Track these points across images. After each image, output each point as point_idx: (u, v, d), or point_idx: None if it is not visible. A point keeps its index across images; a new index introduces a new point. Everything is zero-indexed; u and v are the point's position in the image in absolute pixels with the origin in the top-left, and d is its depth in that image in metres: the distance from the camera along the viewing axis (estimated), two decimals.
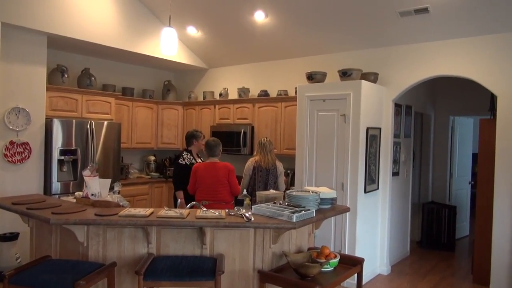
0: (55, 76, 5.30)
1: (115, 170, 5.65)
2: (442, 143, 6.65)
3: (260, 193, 3.46)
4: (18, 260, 4.38)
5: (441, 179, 6.62)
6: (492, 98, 4.90)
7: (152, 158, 6.84)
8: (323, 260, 2.91)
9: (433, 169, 6.67)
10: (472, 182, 6.92)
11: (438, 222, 6.08)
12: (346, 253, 4.32)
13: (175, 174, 4.71)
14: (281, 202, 3.11)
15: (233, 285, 2.90)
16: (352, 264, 3.12)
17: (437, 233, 6.08)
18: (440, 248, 6.03)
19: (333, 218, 4.50)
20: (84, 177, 3.17)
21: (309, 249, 3.29)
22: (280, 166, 4.65)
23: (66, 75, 5.39)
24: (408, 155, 5.69)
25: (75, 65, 5.79)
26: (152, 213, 2.77)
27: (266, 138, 4.81)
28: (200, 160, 4.74)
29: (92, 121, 5.34)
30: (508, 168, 4.13)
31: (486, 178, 4.50)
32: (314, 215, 2.88)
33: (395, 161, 5.21)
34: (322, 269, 2.92)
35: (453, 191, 6.63)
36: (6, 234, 4.37)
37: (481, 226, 4.61)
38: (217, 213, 2.80)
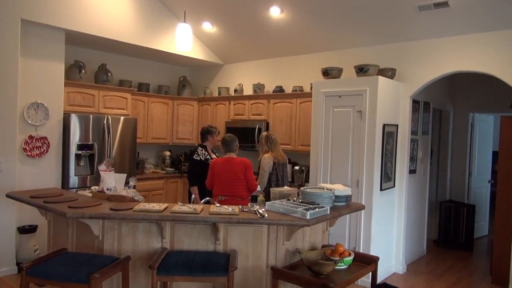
0: (73, 72, 5.38)
1: (131, 165, 5.71)
2: (461, 140, 6.50)
3: (274, 190, 3.44)
4: (37, 252, 4.48)
5: (460, 177, 6.48)
6: None
7: (168, 153, 6.89)
8: (337, 258, 2.88)
9: (451, 167, 6.54)
10: (492, 181, 6.75)
11: (456, 221, 5.96)
12: (361, 251, 4.27)
13: (189, 169, 4.73)
14: (295, 198, 3.08)
15: (246, 282, 2.90)
16: (366, 262, 3.08)
17: (455, 232, 5.96)
18: (457, 247, 5.91)
19: (347, 215, 4.45)
20: (100, 172, 3.21)
21: (323, 246, 3.26)
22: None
23: (83, 71, 5.46)
24: (426, 152, 5.59)
25: (92, 61, 5.86)
26: (166, 208, 2.78)
27: (270, 132, 4.77)
28: (215, 156, 4.75)
29: (109, 116, 5.40)
30: None
31: (507, 177, 4.38)
32: (328, 213, 2.85)
33: (412, 159, 5.12)
34: (336, 267, 2.89)
35: (472, 190, 6.48)
36: (25, 227, 4.47)
37: (500, 226, 4.49)
38: (230, 209, 2.80)
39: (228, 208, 2.81)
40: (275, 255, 2.91)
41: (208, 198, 3.18)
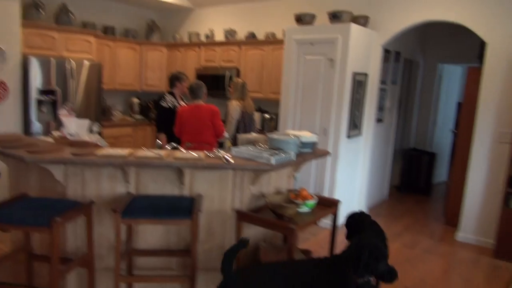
0: (30, 12, 5.03)
1: (97, 111, 5.56)
2: (428, 91, 6.64)
3: (241, 136, 3.45)
4: None
5: (424, 127, 6.70)
6: (482, 46, 4.82)
7: (136, 100, 6.73)
8: (300, 201, 2.98)
9: (418, 116, 6.72)
10: (455, 131, 7.01)
11: (418, 168, 6.23)
12: (326, 196, 4.43)
13: (157, 116, 4.67)
14: (261, 145, 3.11)
15: (211, 224, 2.98)
16: (328, 205, 3.21)
17: (416, 178, 6.26)
18: (417, 192, 6.24)
19: (314, 162, 4.57)
20: (60, 117, 3.11)
21: (288, 191, 3.36)
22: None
23: (42, 11, 5.10)
24: (394, 102, 5.69)
25: (51, 1, 5.47)
26: (130, 153, 2.75)
27: (241, 80, 4.70)
28: (183, 103, 4.68)
29: (72, 61, 5.15)
30: (489, 117, 4.17)
31: (467, 127, 4.55)
32: (294, 158, 2.90)
33: (380, 108, 5.21)
34: (299, 210, 3.00)
35: (435, 139, 6.74)
36: None
37: (457, 172, 4.74)
38: (196, 154, 2.80)
39: (193, 154, 2.81)
40: (240, 199, 2.98)
41: (173, 144, 3.16)
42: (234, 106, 4.39)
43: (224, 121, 4.32)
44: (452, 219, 4.72)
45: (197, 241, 2.81)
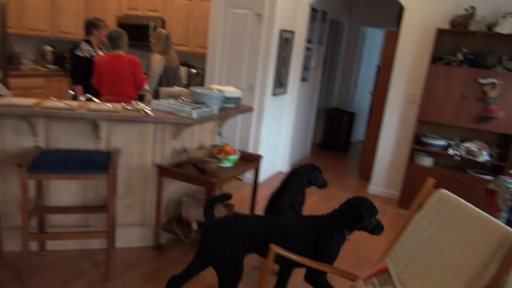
0: None
1: (2, 59, 4.96)
2: (352, 53, 6.89)
3: (164, 90, 3.33)
4: None
5: (346, 88, 7.01)
6: (401, 10, 5.05)
7: (49, 48, 6.11)
8: (222, 156, 3.00)
9: (341, 77, 6.99)
10: (373, 93, 7.44)
11: (338, 127, 6.57)
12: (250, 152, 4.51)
13: (72, 67, 4.30)
14: (183, 98, 3.03)
15: (131, 179, 2.89)
16: (251, 160, 3.28)
17: (337, 136, 6.61)
18: (337, 150, 6.62)
19: (240, 119, 4.59)
20: None
21: (211, 146, 3.35)
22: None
23: None
24: (319, 62, 5.83)
25: None
26: (36, 103, 2.52)
27: (165, 31, 4.46)
28: (102, 53, 4.34)
29: None
30: (402, 79, 4.46)
31: (383, 87, 4.84)
32: (216, 113, 2.88)
33: (306, 67, 5.32)
34: (222, 165, 3.03)
35: (355, 100, 7.10)
36: None
37: (372, 131, 5.08)
38: (112, 106, 2.65)
39: (109, 105, 2.65)
40: (161, 154, 2.92)
41: (88, 95, 2.94)
42: (157, 60, 4.16)
43: (146, 75, 4.11)
44: (365, 174, 5.11)
45: (115, 196, 2.73)
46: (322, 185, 2.99)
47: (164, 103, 2.82)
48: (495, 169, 4.02)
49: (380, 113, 4.80)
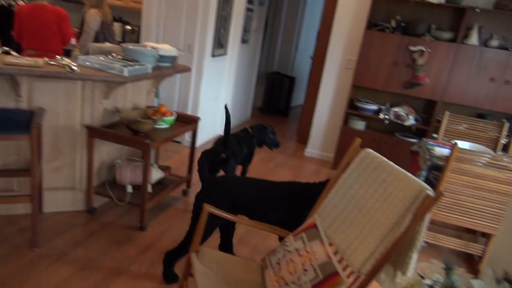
0: None
1: None
2: (293, 16, 6.87)
3: (93, 45, 3.11)
4: None
5: (287, 51, 7.03)
6: None
7: None
8: (157, 117, 2.91)
9: (282, 41, 6.98)
10: (312, 57, 7.54)
11: (279, 91, 6.64)
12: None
13: None
14: (114, 55, 2.85)
15: (58, 140, 2.72)
16: (188, 122, 3.21)
17: (277, 100, 6.68)
18: (277, 114, 6.71)
19: (178, 80, 4.45)
20: None
21: (146, 107, 3.23)
22: None
23: None
24: (260, 24, 5.75)
25: None
26: None
27: None
28: (22, 2, 3.93)
29: None
30: (339, 44, 4.55)
31: (321, 52, 4.91)
32: (150, 71, 2.75)
33: (246, 29, 5.22)
34: (157, 126, 2.94)
35: (296, 64, 7.17)
36: None
37: (310, 95, 5.19)
38: (32, 60, 2.42)
39: (29, 60, 2.42)
40: (91, 114, 2.75)
41: (6, 48, 2.66)
42: (93, 15, 3.85)
43: (79, 31, 3.81)
44: (303, 137, 5.26)
45: (40, 159, 2.56)
46: (275, 145, 3.24)
47: (92, 59, 2.63)
48: (420, 132, 4.33)
49: (318, 78, 4.90)
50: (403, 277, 1.46)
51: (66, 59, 2.58)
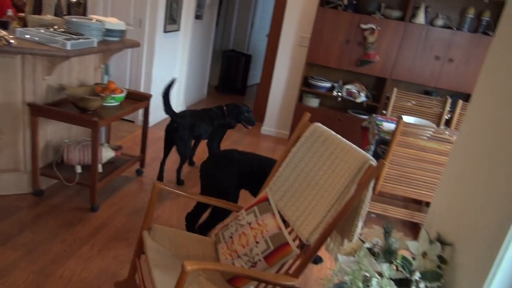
0: None
1: None
2: None
3: (32, 17, 2.90)
4: None
5: (243, 29, 6.95)
6: None
7: None
8: (106, 94, 2.80)
9: (237, 18, 6.88)
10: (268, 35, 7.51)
11: (235, 69, 6.58)
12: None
13: None
14: (56, 27, 2.69)
15: None
16: (140, 100, 3.12)
17: (233, 79, 6.63)
18: (234, 92, 6.67)
19: (129, 57, 4.29)
20: None
21: (94, 84, 3.10)
22: None
23: None
24: None
25: None
26: None
27: None
28: None
29: None
30: (293, 21, 4.55)
31: (276, 30, 4.90)
32: (95, 45, 2.62)
33: (200, 4, 5.09)
34: (106, 104, 2.84)
35: (252, 42, 7.11)
36: None
37: (266, 73, 5.18)
38: None
39: None
40: (33, 91, 2.60)
41: None
42: None
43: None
44: (259, 115, 5.27)
45: None
46: (250, 122, 3.39)
47: (32, 32, 2.47)
48: (370, 109, 4.47)
49: (274, 56, 4.90)
50: (349, 244, 1.53)
51: (2, 31, 2.39)
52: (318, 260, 2.59)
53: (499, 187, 1.08)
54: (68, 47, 2.35)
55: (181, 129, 3.08)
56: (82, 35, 2.61)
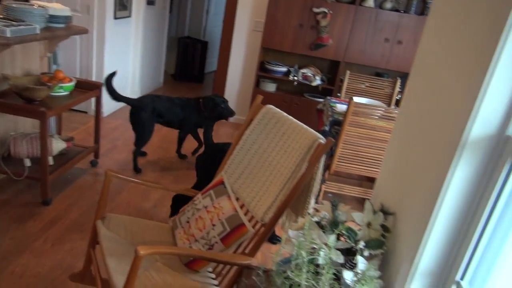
0: None
1: None
2: None
3: None
4: None
5: (198, 15, 6.84)
6: None
7: None
8: (53, 84, 2.68)
9: (192, 3, 6.75)
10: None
11: (192, 57, 6.48)
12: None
13: None
14: None
15: None
16: (91, 89, 3.02)
17: (190, 66, 6.53)
18: (191, 80, 6.58)
19: (79, 45, 4.12)
20: None
21: (41, 74, 2.96)
22: None
23: None
24: None
25: None
26: None
27: None
28: None
29: None
30: (247, 6, 4.54)
31: (231, 15, 4.86)
32: (38, 32, 2.50)
33: None
34: (54, 94, 2.72)
35: (208, 28, 7.02)
36: None
37: (222, 60, 5.14)
38: None
39: None
40: None
41: None
42: None
43: None
44: None
45: None
46: (229, 113, 3.38)
47: None
48: (326, 92, 4.57)
49: (229, 42, 4.87)
50: (300, 219, 1.58)
51: None
52: (276, 240, 2.65)
53: (430, 159, 1.16)
54: (8, 34, 2.22)
55: (136, 111, 3.15)
56: (24, 21, 2.48)
